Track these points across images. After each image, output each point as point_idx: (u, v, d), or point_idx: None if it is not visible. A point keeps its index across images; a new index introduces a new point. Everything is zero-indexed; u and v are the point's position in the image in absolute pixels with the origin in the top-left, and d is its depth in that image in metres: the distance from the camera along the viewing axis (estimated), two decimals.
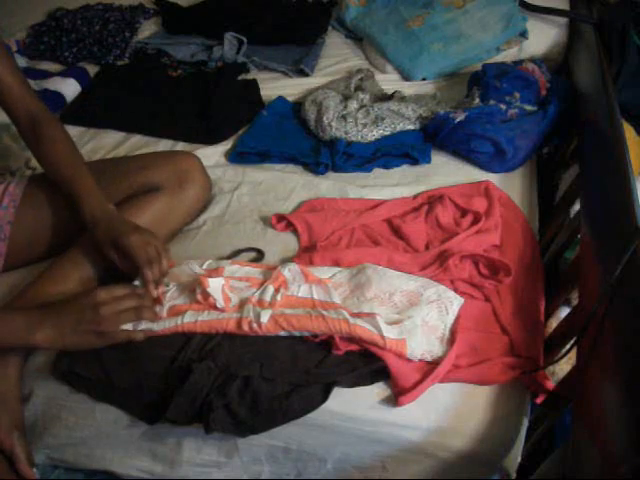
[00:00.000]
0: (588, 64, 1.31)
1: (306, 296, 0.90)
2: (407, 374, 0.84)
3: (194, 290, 0.90)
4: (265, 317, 0.86)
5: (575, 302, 1.05)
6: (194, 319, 0.88)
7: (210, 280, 0.89)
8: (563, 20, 1.59)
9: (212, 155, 1.34)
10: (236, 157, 1.33)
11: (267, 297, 0.89)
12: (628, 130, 1.17)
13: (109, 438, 0.93)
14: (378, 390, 0.85)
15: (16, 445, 0.85)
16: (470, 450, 0.82)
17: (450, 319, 0.90)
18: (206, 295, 0.88)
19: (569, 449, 0.74)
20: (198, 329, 0.87)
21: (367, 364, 0.85)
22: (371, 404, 0.84)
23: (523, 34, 1.59)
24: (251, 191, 1.23)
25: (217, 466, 0.94)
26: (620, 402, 0.63)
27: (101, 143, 1.41)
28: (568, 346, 0.82)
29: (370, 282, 0.92)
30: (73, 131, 1.43)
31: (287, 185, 1.24)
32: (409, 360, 0.85)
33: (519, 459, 0.86)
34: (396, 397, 0.83)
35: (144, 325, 0.87)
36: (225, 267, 0.96)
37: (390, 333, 0.84)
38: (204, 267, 0.97)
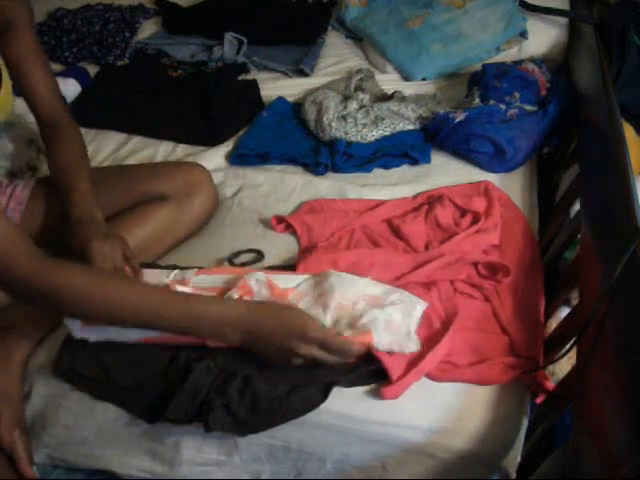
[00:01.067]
0: (588, 64, 1.31)
1: None
2: (397, 368, 0.84)
3: None
4: None
5: (575, 302, 1.05)
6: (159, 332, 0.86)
7: (179, 288, 0.89)
8: (563, 20, 1.59)
9: (213, 157, 1.34)
10: (236, 159, 1.33)
11: None
12: (628, 130, 1.17)
13: (109, 437, 0.93)
14: (378, 390, 0.85)
15: (17, 443, 0.84)
16: (470, 450, 0.82)
17: (414, 322, 0.89)
18: None
19: (569, 449, 0.74)
20: (166, 341, 0.87)
21: (366, 364, 0.85)
22: (371, 404, 0.84)
23: (523, 34, 1.59)
24: (251, 193, 1.23)
25: (217, 465, 0.94)
26: (620, 402, 0.63)
27: (102, 144, 1.41)
28: (568, 346, 0.82)
29: (332, 290, 0.90)
30: None
31: (287, 186, 1.24)
32: (400, 355, 0.85)
33: (519, 459, 0.86)
34: (382, 391, 0.83)
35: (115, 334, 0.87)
36: (191, 278, 0.95)
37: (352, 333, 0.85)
38: (170, 278, 0.96)
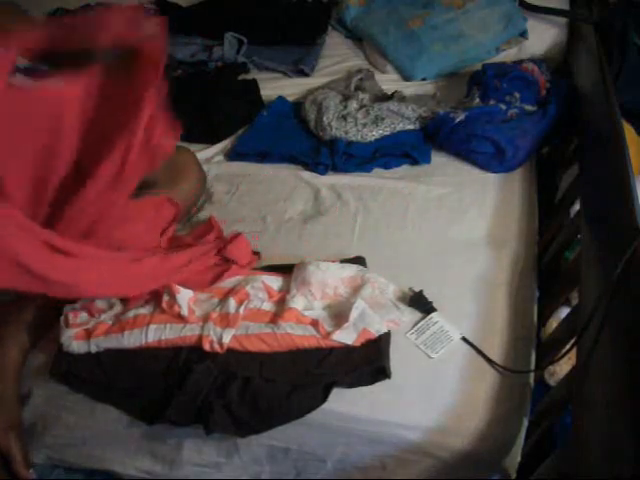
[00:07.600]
0: (588, 64, 1.31)
1: (269, 310, 0.91)
2: None
3: (159, 301, 0.90)
4: (227, 337, 0.86)
5: (575, 302, 1.05)
6: (158, 337, 0.87)
7: (180, 288, 0.89)
8: (563, 20, 1.59)
9: (212, 155, 1.34)
10: (236, 157, 1.33)
11: (229, 310, 0.89)
12: (628, 130, 1.17)
13: (109, 438, 0.93)
14: (378, 390, 0.85)
15: (12, 445, 0.84)
16: (470, 450, 0.82)
17: (391, 291, 0.96)
18: (172, 303, 0.89)
19: (569, 449, 0.74)
20: (163, 345, 0.87)
21: (367, 364, 0.85)
22: (371, 404, 0.84)
23: (523, 34, 1.59)
24: (251, 191, 1.23)
25: (217, 466, 0.94)
26: (620, 402, 0.63)
27: None
28: (568, 346, 0.82)
29: (313, 278, 0.93)
30: None
31: (287, 185, 1.24)
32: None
33: (519, 459, 0.86)
34: None
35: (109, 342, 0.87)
36: None
37: (350, 337, 0.86)
38: None
